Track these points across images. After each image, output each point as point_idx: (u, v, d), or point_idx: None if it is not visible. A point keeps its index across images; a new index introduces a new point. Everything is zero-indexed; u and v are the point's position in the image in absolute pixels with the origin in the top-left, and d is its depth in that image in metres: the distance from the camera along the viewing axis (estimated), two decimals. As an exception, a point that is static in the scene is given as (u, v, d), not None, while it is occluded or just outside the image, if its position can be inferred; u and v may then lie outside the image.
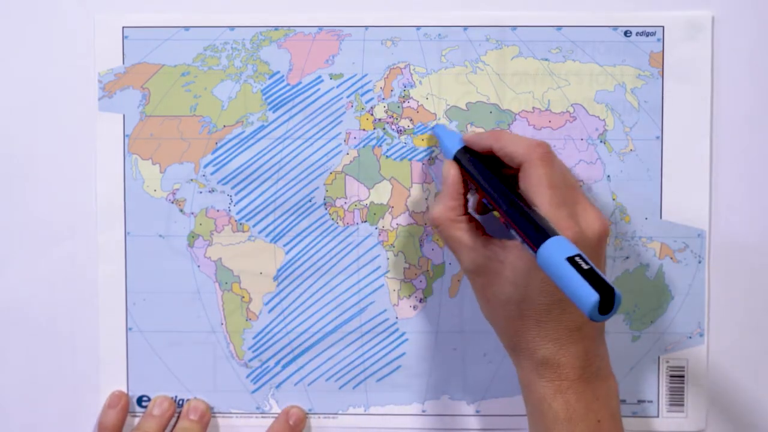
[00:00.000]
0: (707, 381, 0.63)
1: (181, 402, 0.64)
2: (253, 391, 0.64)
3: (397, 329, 0.64)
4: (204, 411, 0.63)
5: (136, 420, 0.63)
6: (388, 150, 0.63)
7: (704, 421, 0.63)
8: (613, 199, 0.63)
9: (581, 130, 0.62)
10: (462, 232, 0.56)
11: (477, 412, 0.64)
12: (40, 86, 0.63)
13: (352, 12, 0.62)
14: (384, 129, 0.63)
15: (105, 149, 0.63)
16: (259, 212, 0.63)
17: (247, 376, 0.64)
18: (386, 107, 0.63)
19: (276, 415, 0.64)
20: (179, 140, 0.63)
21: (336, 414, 0.64)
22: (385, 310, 0.64)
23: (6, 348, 0.64)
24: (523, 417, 0.63)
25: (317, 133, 0.63)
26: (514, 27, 0.62)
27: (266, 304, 0.64)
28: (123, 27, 0.62)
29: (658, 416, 0.64)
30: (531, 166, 0.54)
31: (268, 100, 0.63)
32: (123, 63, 0.63)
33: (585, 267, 0.46)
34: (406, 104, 0.63)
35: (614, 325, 0.63)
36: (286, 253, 0.63)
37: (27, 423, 0.64)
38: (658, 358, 0.63)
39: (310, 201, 0.63)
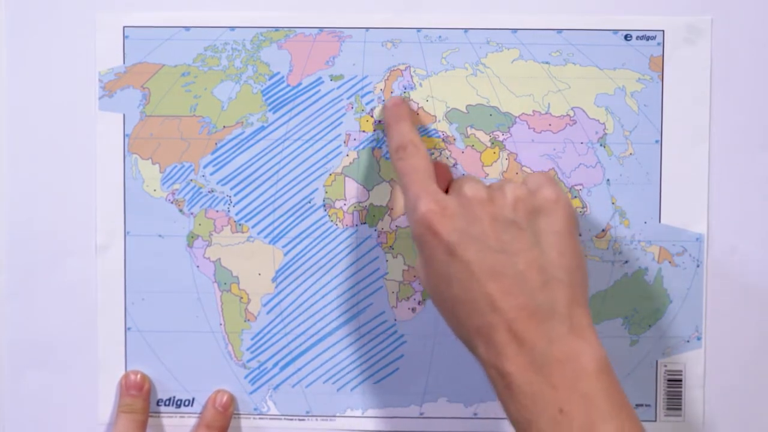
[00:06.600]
0: (705, 385, 0.63)
1: (178, 403, 0.64)
2: (251, 392, 0.64)
3: (395, 331, 0.64)
4: (228, 403, 0.63)
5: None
6: (387, 152, 0.63)
7: (701, 425, 0.64)
8: (613, 203, 0.63)
9: (581, 133, 0.63)
10: None
11: (475, 415, 0.64)
12: (40, 85, 0.63)
13: (352, 13, 0.62)
14: (384, 131, 0.63)
15: (105, 149, 0.63)
16: (258, 213, 0.63)
17: (246, 377, 0.64)
18: (386, 109, 0.63)
19: (274, 417, 0.64)
20: (179, 140, 0.63)
21: (334, 416, 0.64)
22: (384, 312, 0.63)
23: (4, 348, 0.64)
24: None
25: (317, 134, 0.63)
26: (515, 30, 0.62)
27: (265, 305, 0.63)
28: (124, 26, 0.62)
29: (655, 420, 0.64)
30: None
31: (268, 101, 0.63)
32: (123, 62, 0.63)
33: None
34: (406, 106, 0.63)
35: (612, 329, 0.63)
36: (285, 254, 0.63)
37: (25, 422, 0.64)
38: (656, 362, 0.63)
39: (309, 202, 0.63)
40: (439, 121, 0.63)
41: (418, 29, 0.62)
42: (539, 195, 0.54)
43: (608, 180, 0.63)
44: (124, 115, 0.63)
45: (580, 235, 0.62)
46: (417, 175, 0.55)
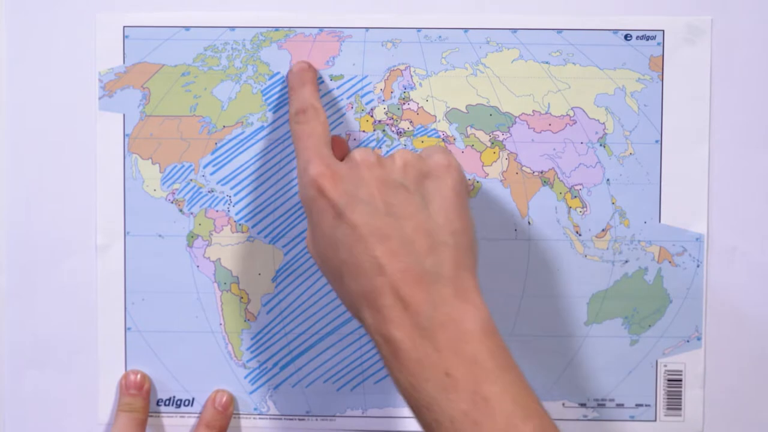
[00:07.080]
0: (705, 385, 0.63)
1: (178, 403, 0.64)
2: (251, 392, 0.64)
3: (395, 331, 0.64)
4: (228, 403, 0.63)
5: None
6: (387, 152, 0.63)
7: (701, 425, 0.64)
8: (613, 203, 0.63)
9: (581, 133, 0.63)
10: None
11: (475, 414, 0.64)
12: (40, 85, 0.63)
13: (352, 13, 0.62)
14: (384, 131, 0.63)
15: (105, 149, 0.63)
16: (258, 213, 0.63)
17: (245, 377, 0.64)
18: (386, 109, 0.63)
19: (274, 417, 0.64)
20: (179, 140, 0.63)
21: (334, 416, 0.64)
22: (384, 312, 0.63)
23: (4, 348, 0.64)
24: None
25: (317, 134, 0.63)
26: (515, 30, 0.62)
27: (264, 305, 0.63)
28: (124, 26, 0.62)
29: (655, 420, 0.64)
30: None
31: (268, 101, 0.63)
32: (123, 62, 0.63)
33: None
34: (406, 106, 0.63)
35: (612, 329, 0.63)
36: (285, 254, 0.63)
37: (25, 422, 0.64)
38: (656, 362, 0.63)
39: (309, 202, 0.63)
40: (439, 121, 0.63)
41: (418, 29, 0.62)
42: (429, 160, 0.54)
43: (608, 180, 0.63)
44: (124, 115, 0.63)
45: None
46: (312, 140, 0.55)
